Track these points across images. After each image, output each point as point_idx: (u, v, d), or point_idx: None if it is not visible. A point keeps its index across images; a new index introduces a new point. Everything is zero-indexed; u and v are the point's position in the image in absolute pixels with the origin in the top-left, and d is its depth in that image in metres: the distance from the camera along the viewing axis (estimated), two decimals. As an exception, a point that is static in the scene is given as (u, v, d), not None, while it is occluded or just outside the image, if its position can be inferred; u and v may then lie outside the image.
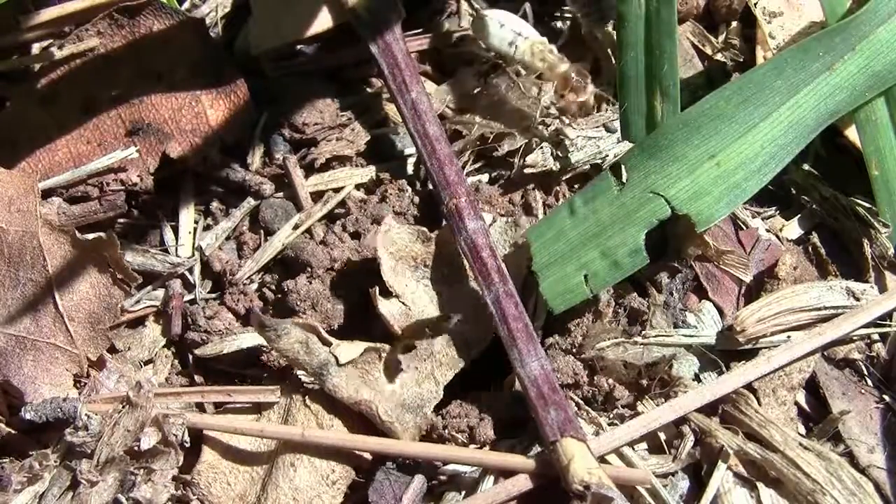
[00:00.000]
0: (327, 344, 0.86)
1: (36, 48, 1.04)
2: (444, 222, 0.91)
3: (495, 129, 0.99)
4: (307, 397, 0.86)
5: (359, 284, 0.92)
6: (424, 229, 0.91)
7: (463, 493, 0.84)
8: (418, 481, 0.84)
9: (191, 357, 0.92)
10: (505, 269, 0.86)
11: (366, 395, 0.85)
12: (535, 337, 0.83)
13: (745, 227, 0.95)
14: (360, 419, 0.86)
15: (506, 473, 0.82)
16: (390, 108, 1.03)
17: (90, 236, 0.90)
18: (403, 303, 0.88)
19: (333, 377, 0.86)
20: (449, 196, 0.89)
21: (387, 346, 0.86)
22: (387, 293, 0.88)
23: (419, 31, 1.07)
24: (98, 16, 1.00)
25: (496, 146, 0.99)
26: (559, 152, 0.97)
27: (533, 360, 0.82)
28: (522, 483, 0.81)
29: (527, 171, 0.97)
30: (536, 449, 0.83)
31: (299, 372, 0.87)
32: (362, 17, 0.98)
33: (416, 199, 0.97)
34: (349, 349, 0.86)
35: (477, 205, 0.90)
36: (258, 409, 0.89)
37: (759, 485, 0.82)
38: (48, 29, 1.03)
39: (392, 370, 0.86)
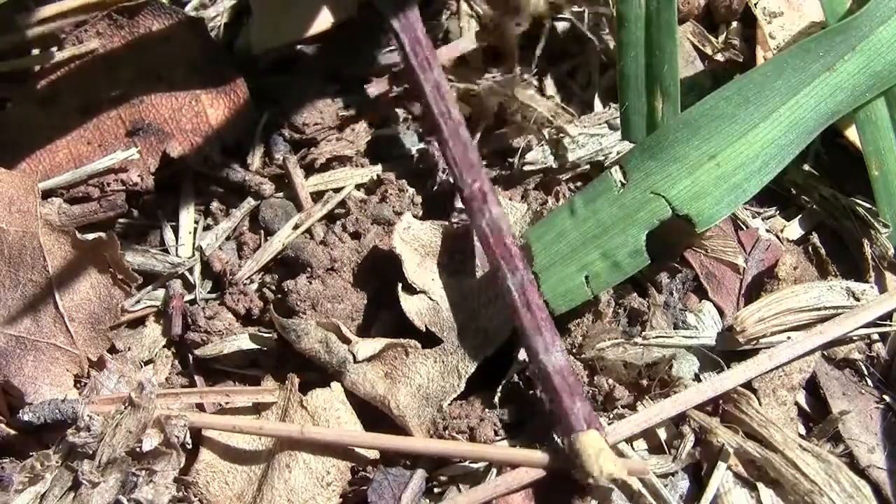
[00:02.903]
0: (347, 342, 0.87)
1: (36, 50, 1.04)
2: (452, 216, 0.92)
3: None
4: (304, 398, 0.87)
5: (367, 283, 0.92)
6: (447, 223, 0.91)
7: (464, 489, 0.84)
8: (417, 481, 0.84)
9: (191, 357, 0.92)
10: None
11: (381, 390, 0.86)
12: (555, 328, 0.83)
13: (745, 228, 0.95)
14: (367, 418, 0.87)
15: (512, 467, 0.83)
16: (391, 109, 1.03)
17: (90, 236, 0.90)
18: (431, 298, 0.88)
19: (351, 374, 0.86)
20: (472, 178, 0.87)
21: (412, 342, 0.87)
22: (410, 290, 0.88)
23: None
24: (97, 16, 1.00)
25: (501, 131, 0.99)
26: (559, 150, 0.97)
27: (558, 350, 0.82)
28: (523, 476, 0.82)
29: (526, 168, 0.97)
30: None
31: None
32: None
33: (417, 199, 0.97)
34: (368, 346, 0.87)
35: (497, 193, 0.89)
36: (257, 410, 0.89)
37: (759, 485, 0.83)
38: (49, 25, 1.02)
39: (418, 364, 0.86)
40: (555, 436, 0.82)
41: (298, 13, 1.02)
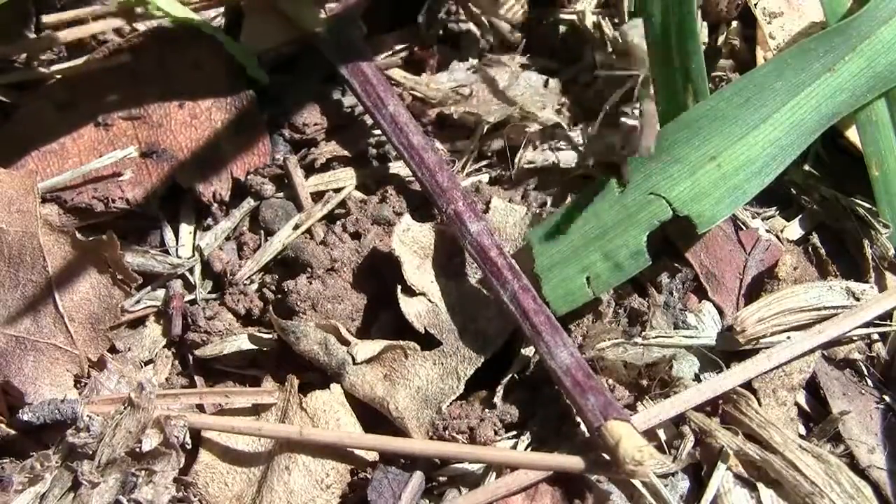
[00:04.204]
0: (346, 343, 0.87)
1: (55, 56, 1.04)
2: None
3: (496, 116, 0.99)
4: (304, 400, 0.87)
5: (367, 283, 0.92)
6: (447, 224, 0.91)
7: (464, 491, 0.84)
8: (417, 479, 0.84)
9: (191, 357, 0.92)
10: (516, 265, 0.86)
11: (380, 392, 0.86)
12: (559, 327, 0.83)
13: (745, 228, 0.95)
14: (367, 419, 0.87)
15: (497, 469, 0.83)
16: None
17: (90, 237, 0.90)
18: (430, 300, 0.88)
19: (350, 376, 0.86)
20: (446, 203, 0.89)
21: (411, 344, 0.87)
22: (409, 292, 0.88)
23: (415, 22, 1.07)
24: (135, 30, 0.99)
25: (501, 134, 0.99)
26: (560, 145, 0.97)
27: (561, 350, 0.82)
28: (523, 479, 0.82)
29: (527, 166, 0.97)
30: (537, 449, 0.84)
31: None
32: (326, 40, 0.98)
33: (417, 200, 0.97)
34: (367, 348, 0.87)
35: (476, 206, 0.90)
36: (256, 410, 0.89)
37: (759, 485, 0.83)
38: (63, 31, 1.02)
39: (417, 366, 0.86)
40: (587, 433, 0.82)
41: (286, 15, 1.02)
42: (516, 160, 0.98)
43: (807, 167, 0.97)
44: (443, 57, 1.05)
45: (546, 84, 1.03)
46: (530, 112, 0.99)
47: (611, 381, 0.86)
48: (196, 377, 0.92)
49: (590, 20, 1.06)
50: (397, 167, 0.99)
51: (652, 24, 0.89)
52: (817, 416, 0.88)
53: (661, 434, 0.86)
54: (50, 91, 1.00)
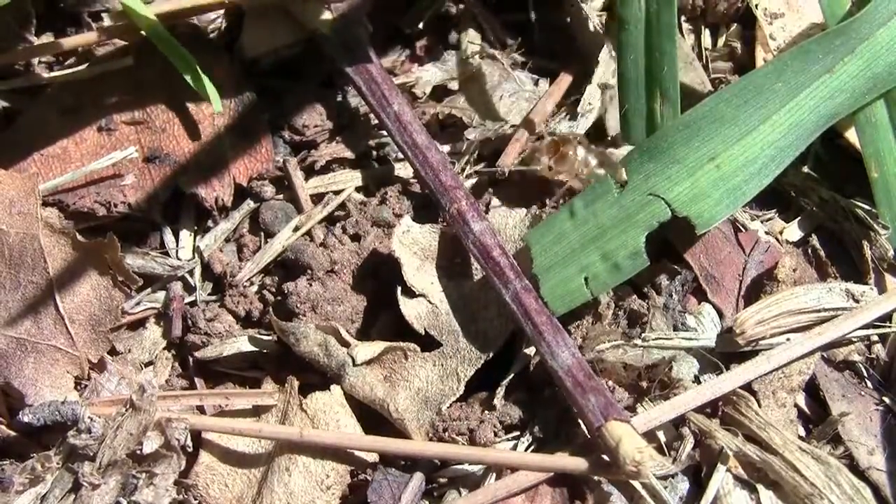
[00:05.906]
0: (346, 345, 0.87)
1: (55, 60, 1.04)
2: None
3: (490, 129, 0.99)
4: (304, 401, 0.87)
5: (367, 285, 0.92)
6: (446, 226, 0.92)
7: (464, 492, 0.84)
8: (417, 481, 0.84)
9: (191, 359, 0.92)
10: (517, 265, 0.86)
11: (380, 393, 0.86)
12: (560, 327, 0.83)
13: (744, 230, 0.95)
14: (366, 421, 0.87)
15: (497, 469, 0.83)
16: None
17: (91, 239, 0.90)
18: (430, 301, 0.88)
19: (350, 377, 0.86)
20: (449, 202, 0.89)
21: (411, 345, 0.87)
22: (409, 293, 0.88)
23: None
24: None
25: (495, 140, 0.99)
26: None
27: (563, 350, 0.82)
28: (523, 480, 0.82)
29: (524, 168, 0.97)
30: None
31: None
32: (330, 38, 0.98)
33: (417, 202, 0.97)
34: (367, 349, 0.87)
35: (478, 206, 0.90)
36: (256, 412, 0.89)
37: (759, 487, 0.83)
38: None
39: (417, 367, 0.87)
40: (587, 434, 0.82)
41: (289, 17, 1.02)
42: (509, 161, 0.98)
43: (806, 168, 0.97)
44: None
45: (537, 83, 1.03)
46: (512, 122, 0.99)
47: (610, 382, 0.87)
48: (196, 379, 0.92)
49: (592, 21, 1.06)
50: (397, 169, 0.99)
51: (630, 20, 0.90)
52: (817, 418, 0.88)
53: (661, 436, 0.86)
54: (53, 96, 1.00)
